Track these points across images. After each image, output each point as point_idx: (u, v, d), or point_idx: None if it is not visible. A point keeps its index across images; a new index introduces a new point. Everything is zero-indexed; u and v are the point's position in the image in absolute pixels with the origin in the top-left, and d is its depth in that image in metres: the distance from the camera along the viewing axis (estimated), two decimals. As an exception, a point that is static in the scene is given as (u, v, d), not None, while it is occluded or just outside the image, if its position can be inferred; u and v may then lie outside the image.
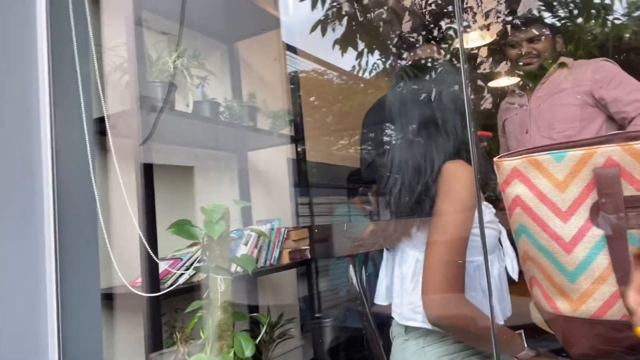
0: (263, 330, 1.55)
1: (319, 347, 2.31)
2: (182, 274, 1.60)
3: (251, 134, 2.04)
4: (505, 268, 1.06)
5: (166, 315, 1.73)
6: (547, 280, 0.66)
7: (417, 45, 1.67)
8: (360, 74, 3.00)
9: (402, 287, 1.11)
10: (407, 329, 1.10)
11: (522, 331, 1.03)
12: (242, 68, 2.28)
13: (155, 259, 1.36)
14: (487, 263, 0.93)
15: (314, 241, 2.12)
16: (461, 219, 1.00)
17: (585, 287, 0.62)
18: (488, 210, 1.08)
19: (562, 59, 1.83)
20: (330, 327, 2.33)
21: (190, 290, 1.56)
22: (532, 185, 0.65)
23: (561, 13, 2.67)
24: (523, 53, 1.83)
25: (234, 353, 1.20)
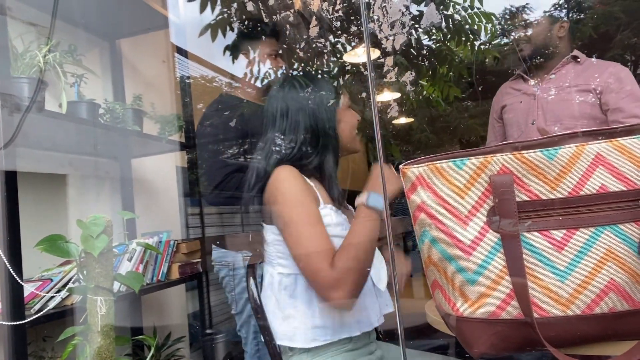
0: (150, 354, 1.43)
1: (210, 364, 2.22)
2: (52, 297, 1.42)
3: (136, 140, 1.89)
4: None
5: (32, 345, 1.52)
6: (448, 283, 0.69)
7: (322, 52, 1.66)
8: (253, 82, 2.95)
9: (270, 305, 1.09)
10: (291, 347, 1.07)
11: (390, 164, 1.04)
12: (126, 68, 2.11)
13: (19, 280, 1.19)
14: (394, 262, 0.94)
15: (206, 253, 2.02)
16: (304, 212, 1.02)
17: (483, 289, 0.66)
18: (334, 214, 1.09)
19: (575, 52, 1.68)
20: (222, 342, 2.25)
21: (62, 315, 1.40)
22: (435, 192, 0.67)
23: (435, 37, 2.91)
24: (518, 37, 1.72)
25: (118, 382, 1.08)
